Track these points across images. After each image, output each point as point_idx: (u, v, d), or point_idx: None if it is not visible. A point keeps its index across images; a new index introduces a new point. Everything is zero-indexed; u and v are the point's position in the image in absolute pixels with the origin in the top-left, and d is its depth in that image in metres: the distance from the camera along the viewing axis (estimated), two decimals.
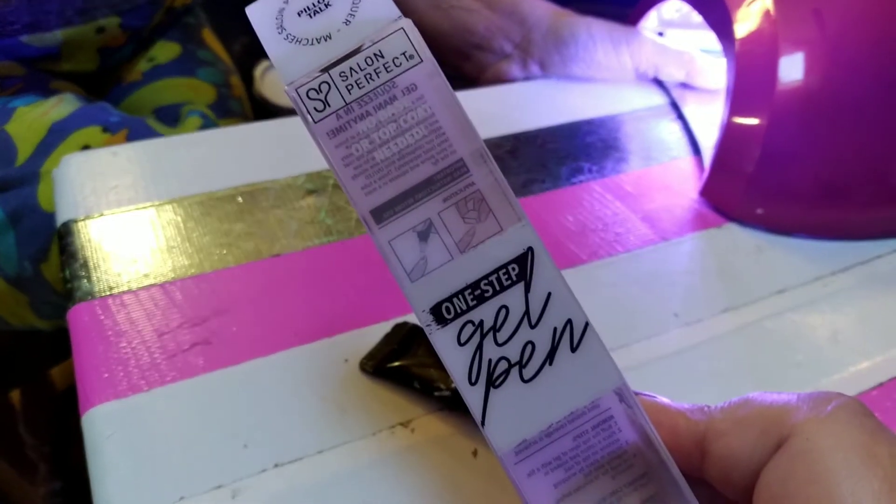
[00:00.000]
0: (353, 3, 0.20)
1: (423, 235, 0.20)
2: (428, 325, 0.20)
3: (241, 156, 0.46)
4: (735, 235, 0.44)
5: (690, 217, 0.45)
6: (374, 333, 0.36)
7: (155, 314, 0.36)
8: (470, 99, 0.54)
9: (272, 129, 0.49)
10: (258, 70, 0.99)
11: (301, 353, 0.35)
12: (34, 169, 0.54)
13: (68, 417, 0.91)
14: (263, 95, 0.96)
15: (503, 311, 0.20)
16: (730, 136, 0.46)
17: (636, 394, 0.21)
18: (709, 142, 0.50)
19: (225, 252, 0.40)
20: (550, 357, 0.20)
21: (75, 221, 0.40)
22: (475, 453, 0.32)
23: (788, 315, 0.39)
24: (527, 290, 0.20)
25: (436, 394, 0.33)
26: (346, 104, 0.20)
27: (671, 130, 0.53)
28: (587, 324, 0.20)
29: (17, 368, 0.81)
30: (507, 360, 0.20)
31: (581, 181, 0.47)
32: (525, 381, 0.20)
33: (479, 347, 0.20)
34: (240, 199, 0.43)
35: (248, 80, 0.97)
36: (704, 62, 0.56)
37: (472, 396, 0.20)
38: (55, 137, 0.55)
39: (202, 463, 0.30)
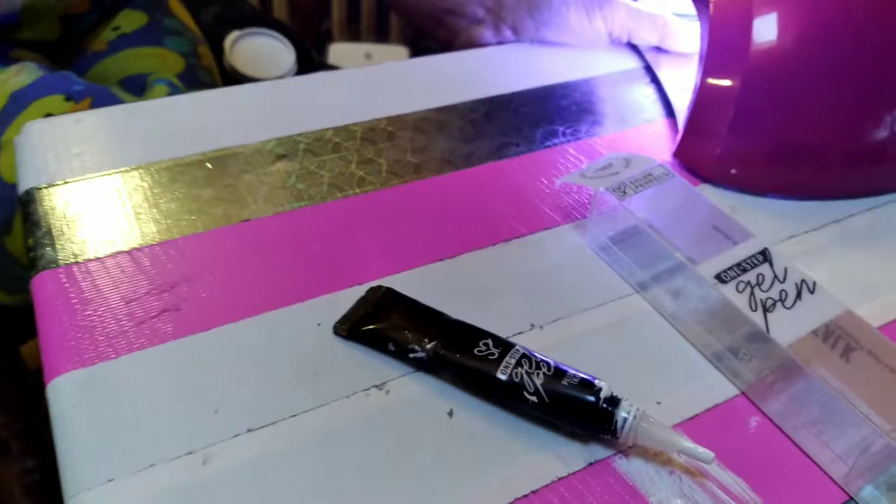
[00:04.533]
0: (627, 160, 0.40)
1: None
2: (714, 286, 0.34)
3: (209, 121, 0.45)
4: (710, 196, 0.44)
5: None
6: (348, 298, 0.35)
7: (122, 281, 0.35)
8: (443, 63, 0.53)
9: (241, 94, 0.48)
10: (228, 40, 0.97)
11: (273, 318, 0.34)
12: None
13: (40, 394, 0.90)
14: (234, 66, 0.94)
15: (760, 276, 0.34)
16: (703, 98, 0.46)
17: None
18: (682, 104, 0.50)
19: (194, 218, 0.39)
20: (799, 296, 0.33)
21: (38, 189, 0.39)
22: (451, 413, 0.31)
23: None
24: (771, 266, 0.35)
25: (411, 355, 0.33)
26: (633, 194, 0.38)
27: (645, 94, 0.53)
28: (815, 281, 0.34)
29: None
30: (772, 298, 0.33)
31: (555, 144, 0.47)
32: (787, 308, 0.33)
33: (752, 292, 0.33)
34: (208, 165, 0.42)
35: (219, 50, 0.95)
36: (678, 26, 0.55)
37: (756, 317, 0.32)
38: (15, 106, 0.53)
39: (172, 429, 0.30)
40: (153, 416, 0.30)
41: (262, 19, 1.03)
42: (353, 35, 1.60)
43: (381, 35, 1.56)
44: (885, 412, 0.30)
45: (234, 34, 0.97)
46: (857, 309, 0.38)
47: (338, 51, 1.46)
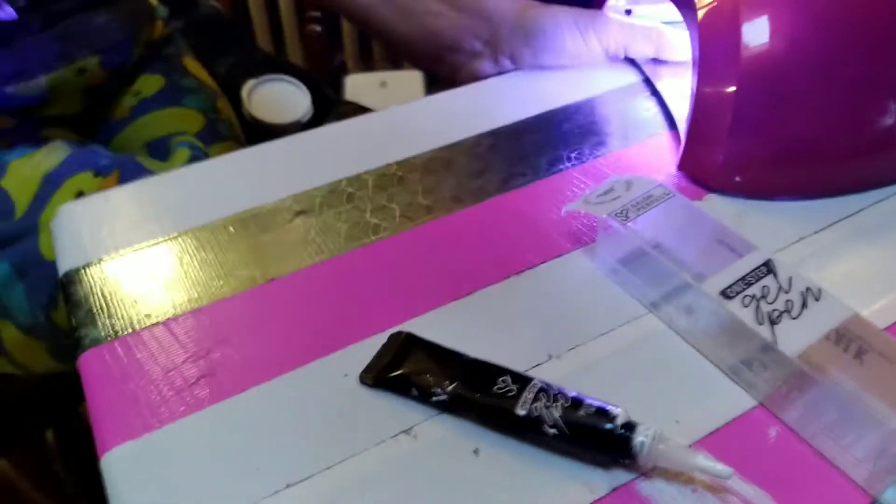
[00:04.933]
0: (628, 182, 0.41)
1: None
2: (720, 302, 0.35)
3: (228, 185, 0.47)
4: (717, 206, 0.45)
5: None
6: (372, 346, 0.37)
7: (160, 352, 0.37)
8: (446, 101, 0.55)
9: (255, 156, 0.50)
10: (244, 90, 1.00)
11: (302, 374, 0.36)
12: (33, 221, 0.55)
13: None
14: (252, 114, 0.97)
15: (765, 288, 0.35)
16: (700, 107, 0.47)
17: None
18: (684, 114, 0.50)
19: (221, 283, 0.41)
20: (805, 304, 0.34)
21: (76, 270, 0.42)
22: (476, 452, 0.33)
23: None
24: (776, 277, 0.36)
25: (433, 399, 0.34)
26: (636, 216, 0.39)
27: (646, 107, 0.54)
28: (820, 288, 0.35)
29: (48, 410, 0.83)
30: (778, 310, 0.34)
31: (561, 170, 0.48)
32: (793, 318, 0.34)
33: (758, 306, 0.34)
34: (231, 229, 0.44)
35: (237, 100, 0.98)
36: (673, 36, 0.56)
37: (763, 330, 0.33)
38: (49, 188, 0.56)
39: (218, 491, 0.32)
40: (199, 481, 0.32)
41: (276, 65, 1.06)
42: (367, 64, 1.63)
43: (394, 62, 1.58)
44: None
45: (249, 83, 1.00)
46: (875, 304, 0.39)
47: (354, 82, 1.49)
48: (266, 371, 0.36)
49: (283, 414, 0.35)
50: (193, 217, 0.45)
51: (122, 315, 0.39)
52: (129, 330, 0.38)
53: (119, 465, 0.33)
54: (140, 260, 0.43)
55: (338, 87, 1.48)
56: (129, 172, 0.60)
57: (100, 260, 0.42)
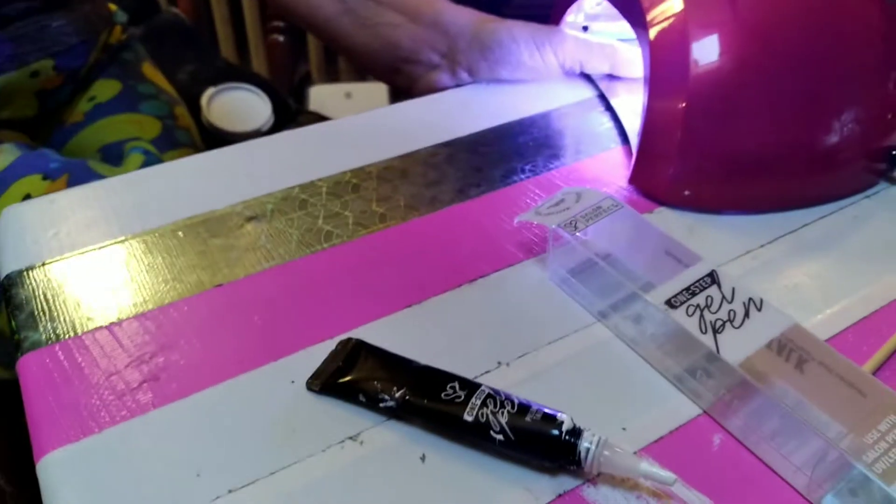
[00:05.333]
0: (578, 194, 0.41)
1: None
2: (665, 311, 0.35)
3: (179, 190, 0.47)
4: (666, 219, 0.46)
5: None
6: (320, 352, 0.37)
7: (102, 357, 0.36)
8: (403, 111, 0.55)
9: (207, 161, 0.50)
10: (204, 98, 0.99)
11: (248, 379, 0.36)
12: None
13: None
14: (211, 122, 0.97)
15: (709, 298, 0.36)
16: (651, 123, 0.48)
17: None
18: (636, 130, 0.51)
19: (168, 288, 0.40)
20: (747, 314, 0.35)
21: (19, 273, 0.41)
22: (423, 458, 0.33)
23: None
24: (719, 287, 0.36)
25: (381, 405, 0.34)
26: (585, 227, 0.39)
27: (601, 122, 0.55)
28: (762, 299, 0.35)
29: None
30: (721, 319, 0.35)
31: (515, 181, 0.49)
32: (735, 328, 0.34)
33: (701, 315, 0.35)
34: (180, 234, 0.44)
35: (196, 108, 0.97)
36: (628, 52, 0.57)
37: (707, 339, 0.34)
38: None
39: (157, 497, 0.31)
40: (138, 486, 0.31)
41: (238, 73, 1.06)
42: (333, 75, 1.62)
43: (359, 73, 1.58)
44: (841, 419, 0.31)
45: (209, 91, 0.99)
46: (817, 316, 0.40)
47: (318, 93, 1.49)
48: (211, 376, 0.36)
49: (227, 419, 0.34)
50: (142, 221, 0.44)
51: (65, 319, 0.38)
52: (71, 333, 0.38)
53: (56, 469, 0.32)
54: (85, 263, 0.42)
55: (302, 97, 1.48)
56: (79, 177, 0.59)
57: (43, 263, 0.42)
